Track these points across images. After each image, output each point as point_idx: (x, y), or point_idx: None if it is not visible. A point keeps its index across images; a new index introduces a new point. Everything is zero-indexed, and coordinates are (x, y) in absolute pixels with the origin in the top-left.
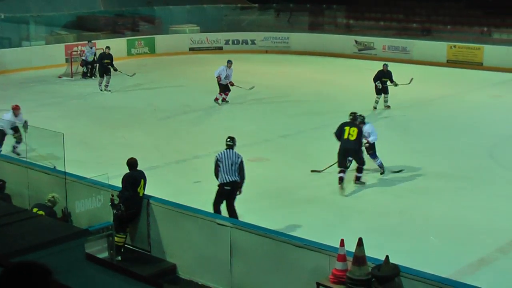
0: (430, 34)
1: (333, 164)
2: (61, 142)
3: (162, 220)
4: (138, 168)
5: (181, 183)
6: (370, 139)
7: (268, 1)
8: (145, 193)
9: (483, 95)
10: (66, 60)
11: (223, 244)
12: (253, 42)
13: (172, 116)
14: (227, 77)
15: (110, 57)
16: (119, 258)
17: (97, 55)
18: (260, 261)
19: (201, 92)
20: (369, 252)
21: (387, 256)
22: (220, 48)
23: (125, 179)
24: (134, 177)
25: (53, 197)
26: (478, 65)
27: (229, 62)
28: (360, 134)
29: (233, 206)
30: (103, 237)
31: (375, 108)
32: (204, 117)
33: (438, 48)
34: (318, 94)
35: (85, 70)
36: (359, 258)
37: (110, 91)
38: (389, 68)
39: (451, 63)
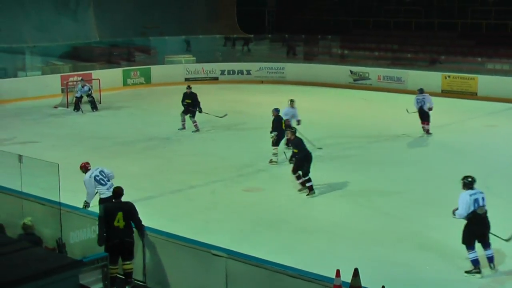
0: (438, 64)
1: None
2: (56, 173)
3: (157, 250)
4: (130, 198)
5: (176, 213)
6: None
7: (263, 32)
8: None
9: (478, 124)
10: (62, 90)
11: (219, 274)
12: (248, 72)
13: (167, 146)
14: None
15: (191, 96)
16: None
17: (91, 91)
18: None
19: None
20: (364, 282)
21: (383, 287)
22: (216, 78)
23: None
24: (108, 210)
25: (24, 223)
26: (472, 95)
27: (420, 90)
28: None
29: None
30: (97, 268)
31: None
32: (200, 147)
33: (432, 78)
34: (313, 124)
35: (79, 104)
36: None
37: (198, 130)
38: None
39: (446, 93)
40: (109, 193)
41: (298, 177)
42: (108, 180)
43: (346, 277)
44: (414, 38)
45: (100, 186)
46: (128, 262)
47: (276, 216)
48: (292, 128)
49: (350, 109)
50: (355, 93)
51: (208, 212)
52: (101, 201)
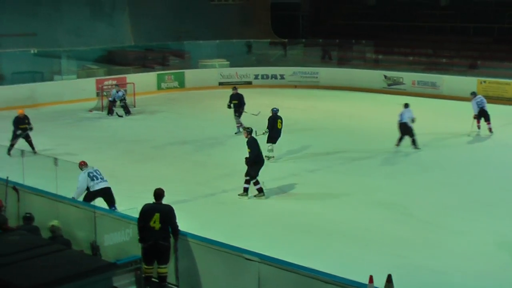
0: (476, 69)
1: None
2: None
3: (190, 254)
4: (166, 201)
5: (209, 217)
6: None
7: (297, 36)
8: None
9: None
10: (97, 94)
11: (251, 278)
12: (282, 76)
13: (199, 150)
14: None
15: (238, 97)
16: None
17: (124, 97)
18: None
19: (229, 125)
20: None
21: None
22: (250, 83)
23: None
24: (145, 210)
25: (52, 225)
26: (509, 100)
27: (473, 93)
28: None
29: None
30: (131, 270)
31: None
32: (232, 151)
33: (468, 83)
34: (346, 129)
35: (113, 108)
36: None
37: (238, 132)
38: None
39: None
40: (97, 187)
41: (247, 182)
42: (101, 178)
43: (379, 283)
44: (449, 43)
45: (91, 182)
46: (163, 266)
47: (307, 221)
48: (248, 128)
49: (385, 114)
50: (389, 98)
51: (240, 216)
52: (88, 194)
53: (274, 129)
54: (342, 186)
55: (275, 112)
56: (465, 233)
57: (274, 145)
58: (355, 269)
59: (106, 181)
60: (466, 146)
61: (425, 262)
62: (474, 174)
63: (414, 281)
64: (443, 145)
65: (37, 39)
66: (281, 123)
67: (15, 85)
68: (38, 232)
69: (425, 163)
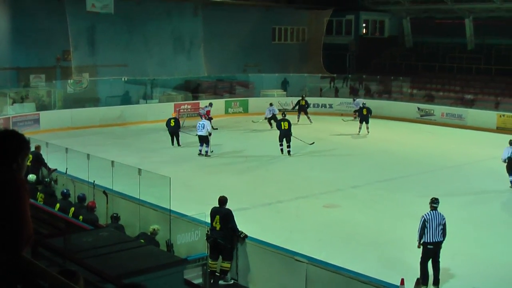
0: (498, 104)
1: None
2: (167, 184)
3: (248, 254)
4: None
5: (266, 223)
6: None
7: (344, 72)
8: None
9: None
10: None
11: (300, 277)
12: (330, 106)
13: (260, 165)
14: None
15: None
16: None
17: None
18: None
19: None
20: None
21: None
22: None
23: None
24: (211, 212)
25: (154, 229)
26: None
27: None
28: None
29: (438, 263)
30: (198, 266)
31: None
32: (287, 167)
33: (488, 116)
34: (384, 151)
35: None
36: None
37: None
38: None
39: (500, 129)
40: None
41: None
42: (202, 127)
43: (410, 285)
44: (474, 81)
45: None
46: (226, 262)
47: (351, 229)
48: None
49: (417, 140)
50: (421, 126)
51: (292, 223)
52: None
53: (360, 114)
54: (380, 200)
55: (364, 104)
56: (488, 246)
57: (362, 124)
58: (390, 273)
59: (202, 130)
60: (487, 170)
61: (450, 269)
62: (492, 195)
63: (440, 284)
64: (469, 168)
65: (128, 69)
66: (367, 111)
67: (109, 106)
68: (123, 230)
69: (451, 183)
